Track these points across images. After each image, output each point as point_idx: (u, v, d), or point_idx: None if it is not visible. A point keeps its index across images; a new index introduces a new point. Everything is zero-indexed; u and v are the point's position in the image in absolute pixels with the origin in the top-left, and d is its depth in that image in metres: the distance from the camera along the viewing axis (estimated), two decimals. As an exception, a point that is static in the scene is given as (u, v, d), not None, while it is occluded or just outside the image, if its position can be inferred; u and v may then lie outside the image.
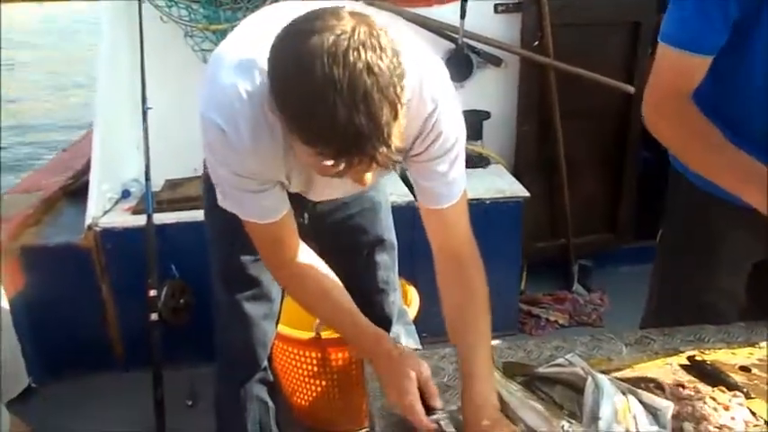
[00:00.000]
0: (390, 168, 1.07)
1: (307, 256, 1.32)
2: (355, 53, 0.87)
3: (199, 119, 1.12)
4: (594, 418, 1.10)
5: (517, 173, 2.90)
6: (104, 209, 2.51)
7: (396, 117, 0.90)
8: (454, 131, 1.17)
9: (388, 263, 1.71)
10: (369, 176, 1.01)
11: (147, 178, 2.34)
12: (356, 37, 0.88)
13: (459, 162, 1.21)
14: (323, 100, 0.86)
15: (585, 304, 2.98)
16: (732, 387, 1.21)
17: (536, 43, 2.80)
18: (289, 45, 0.91)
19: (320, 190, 1.34)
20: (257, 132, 1.08)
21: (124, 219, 2.46)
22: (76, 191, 2.74)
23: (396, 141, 0.91)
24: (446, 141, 1.17)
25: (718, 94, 1.31)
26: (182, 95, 2.52)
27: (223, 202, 1.23)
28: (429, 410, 1.14)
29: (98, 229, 2.41)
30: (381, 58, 0.88)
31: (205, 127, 1.10)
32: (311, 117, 0.88)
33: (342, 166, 0.92)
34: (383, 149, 0.90)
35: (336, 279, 1.33)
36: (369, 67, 0.87)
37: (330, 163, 0.91)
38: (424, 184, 1.22)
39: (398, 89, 0.90)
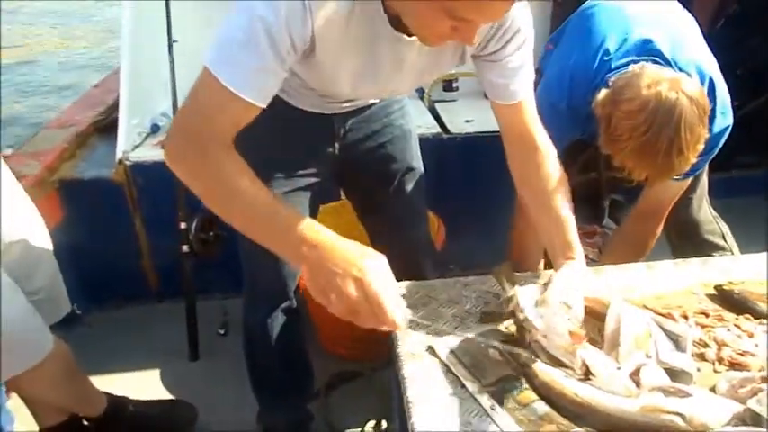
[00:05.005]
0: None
1: (235, 151, 1.14)
2: None
3: None
4: (615, 344, 1.10)
5: (549, 105, 2.82)
6: (134, 143, 2.54)
7: None
8: (526, 28, 1.24)
9: (417, 192, 1.71)
10: (479, 32, 1.07)
11: (175, 113, 2.36)
12: None
13: (530, 58, 1.29)
14: None
15: (616, 239, 2.94)
16: (759, 315, 1.19)
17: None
18: None
19: (382, 78, 1.26)
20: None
21: (154, 153, 2.48)
22: (108, 126, 2.76)
23: None
24: (520, 38, 1.24)
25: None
26: (209, 29, 2.50)
27: (215, 62, 1.09)
28: None
29: (128, 163, 2.44)
30: None
31: None
32: None
33: None
34: None
35: None
36: None
37: None
38: (499, 81, 1.28)
39: None
